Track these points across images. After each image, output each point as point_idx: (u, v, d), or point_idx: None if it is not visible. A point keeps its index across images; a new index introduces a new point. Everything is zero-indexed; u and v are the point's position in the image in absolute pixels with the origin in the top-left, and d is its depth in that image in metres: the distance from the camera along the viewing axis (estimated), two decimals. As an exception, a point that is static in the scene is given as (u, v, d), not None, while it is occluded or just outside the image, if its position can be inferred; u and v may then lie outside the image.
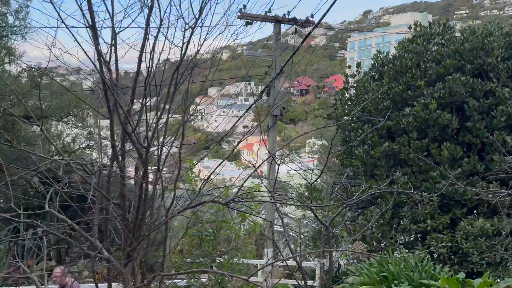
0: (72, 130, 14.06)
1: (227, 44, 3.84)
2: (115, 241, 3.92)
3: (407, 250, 9.06)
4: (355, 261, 11.78)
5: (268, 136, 11.30)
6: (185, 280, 4.32)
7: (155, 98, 3.91)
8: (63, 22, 3.05)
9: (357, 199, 5.29)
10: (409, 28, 11.00)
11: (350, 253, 10.41)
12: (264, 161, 4.35)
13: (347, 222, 10.33)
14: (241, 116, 13.99)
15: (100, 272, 10.47)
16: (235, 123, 13.46)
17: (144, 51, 3.59)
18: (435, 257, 9.20)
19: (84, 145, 14.13)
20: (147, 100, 3.74)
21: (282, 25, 11.72)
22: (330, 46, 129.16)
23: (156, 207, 3.81)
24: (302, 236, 10.02)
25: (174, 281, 4.07)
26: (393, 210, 9.35)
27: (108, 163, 3.59)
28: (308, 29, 12.18)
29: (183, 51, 3.43)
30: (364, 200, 7.95)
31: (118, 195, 3.56)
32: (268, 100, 11.36)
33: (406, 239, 9.87)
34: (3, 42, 12.41)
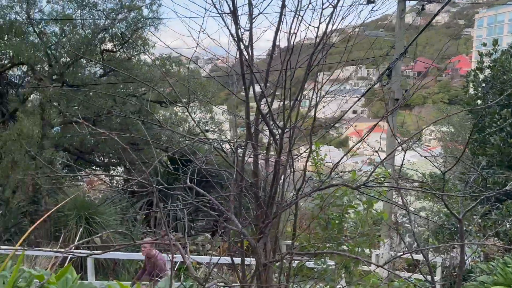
0: (196, 114, 15.14)
1: (362, 22, 3.70)
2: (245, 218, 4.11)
3: (551, 252, 7.98)
4: (482, 259, 10.72)
5: (388, 122, 10.74)
6: (311, 262, 4.37)
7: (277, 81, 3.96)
8: (215, 7, 3.23)
9: (497, 192, 4.78)
10: None
11: (479, 250, 9.52)
12: (395, 149, 4.14)
13: (475, 216, 9.43)
14: (357, 101, 13.55)
15: (221, 246, 11.21)
16: (349, 109, 13.06)
17: (279, 33, 3.65)
18: None
19: (206, 128, 15.13)
20: (278, 84, 3.81)
21: (407, 2, 10.97)
22: (453, 24, 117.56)
23: (286, 187, 3.89)
24: (429, 228, 9.44)
25: (302, 260, 4.15)
26: (535, 206, 8.30)
27: (243, 143, 3.75)
28: (429, 6, 11.22)
29: (321, 30, 3.40)
30: (500, 193, 7.15)
31: (251, 174, 3.71)
32: (389, 83, 10.78)
33: (550, 240, 8.69)
34: (139, 33, 13.77)
